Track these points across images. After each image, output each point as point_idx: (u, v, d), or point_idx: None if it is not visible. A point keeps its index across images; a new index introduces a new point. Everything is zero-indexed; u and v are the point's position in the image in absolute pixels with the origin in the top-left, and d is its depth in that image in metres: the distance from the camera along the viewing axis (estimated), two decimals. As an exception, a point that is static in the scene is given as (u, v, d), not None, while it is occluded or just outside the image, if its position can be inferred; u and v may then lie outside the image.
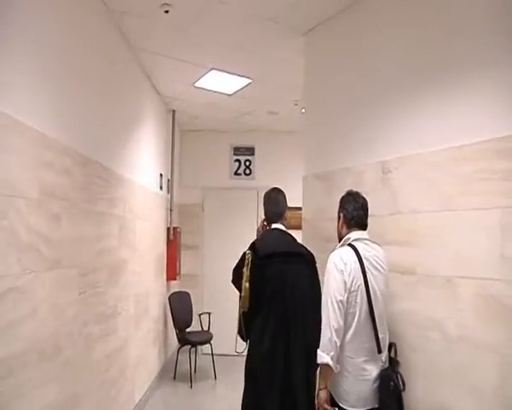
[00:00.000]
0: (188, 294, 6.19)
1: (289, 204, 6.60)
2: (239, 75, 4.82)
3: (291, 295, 2.67)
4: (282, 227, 2.89)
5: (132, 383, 4.28)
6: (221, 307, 5.82)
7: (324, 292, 2.32)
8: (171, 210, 6.08)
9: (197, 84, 5.10)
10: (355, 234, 2.42)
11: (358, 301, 2.25)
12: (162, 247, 5.79)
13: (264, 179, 7.11)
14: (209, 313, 6.00)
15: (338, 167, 3.44)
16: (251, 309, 2.67)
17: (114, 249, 3.65)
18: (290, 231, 2.96)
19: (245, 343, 2.79)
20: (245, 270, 2.66)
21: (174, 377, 5.62)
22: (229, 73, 4.74)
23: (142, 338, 4.67)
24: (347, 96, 3.41)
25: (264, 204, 3.03)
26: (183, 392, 5.32)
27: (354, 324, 2.25)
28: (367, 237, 2.45)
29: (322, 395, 2.26)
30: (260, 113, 6.20)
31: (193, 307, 6.14)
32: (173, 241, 6.02)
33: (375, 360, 2.28)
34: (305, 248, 2.89)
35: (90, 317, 3.10)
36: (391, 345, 2.45)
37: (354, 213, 2.47)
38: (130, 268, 4.11)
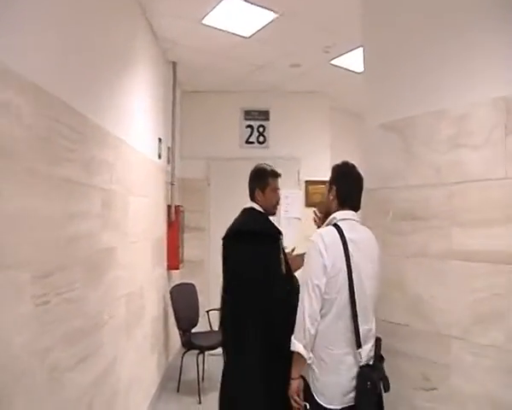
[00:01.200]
0: (192, 286, 5.13)
1: (311, 177, 5.50)
2: (262, 6, 3.68)
3: (248, 280, 2.55)
4: (253, 205, 2.74)
5: (126, 407, 3.24)
6: (233, 302, 4.78)
7: (302, 275, 2.14)
8: (172, 184, 4.98)
9: (206, 21, 3.96)
10: (342, 213, 2.20)
11: (338, 286, 2.04)
12: (162, 229, 4.71)
13: (280, 148, 6.08)
14: (219, 310, 4.94)
15: (422, 112, 2.40)
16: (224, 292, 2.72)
17: (95, 235, 2.56)
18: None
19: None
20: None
21: (178, 389, 4.58)
22: (250, 2, 3.61)
23: (138, 348, 3.62)
24: (434, 12, 2.32)
25: None
26: (190, 408, 4.29)
27: (332, 311, 2.05)
28: (356, 218, 2.23)
29: (294, 385, 2.09)
30: (281, 65, 5.06)
31: (199, 301, 5.08)
32: (175, 222, 4.94)
33: (356, 354, 2.05)
34: (273, 227, 2.71)
35: (57, 338, 2.03)
36: (377, 340, 2.16)
37: (348, 192, 2.25)
38: (119, 259, 3.04)
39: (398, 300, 2.47)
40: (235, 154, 6.06)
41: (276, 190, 2.77)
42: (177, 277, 5.38)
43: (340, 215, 2.19)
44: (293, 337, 2.06)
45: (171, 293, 4.71)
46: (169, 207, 4.89)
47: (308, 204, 6.02)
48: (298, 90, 6.01)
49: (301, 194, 6.09)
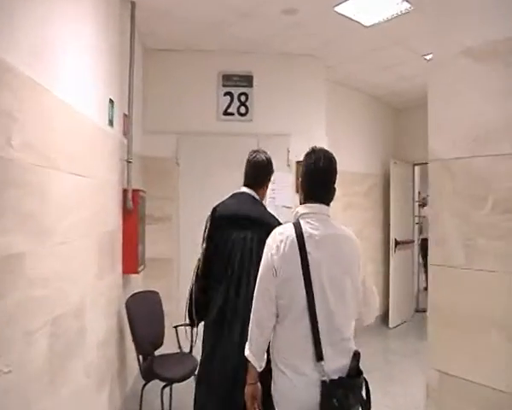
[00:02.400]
0: (155, 294, 3.96)
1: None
2: None
3: (236, 270, 2.40)
4: (249, 191, 2.57)
5: None
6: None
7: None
8: (128, 162, 3.82)
9: None
10: (305, 207, 1.95)
11: (292, 291, 1.82)
12: (115, 221, 3.56)
13: (266, 122, 5.02)
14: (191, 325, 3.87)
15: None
16: (204, 277, 2.55)
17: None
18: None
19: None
20: (204, 233, 2.58)
21: (137, 434, 3.46)
22: None
23: (73, 394, 2.49)
24: None
25: None
26: None
27: (288, 318, 1.84)
28: (324, 211, 1.92)
29: (248, 391, 1.95)
30: (270, 11, 3.96)
31: (164, 314, 3.94)
32: (133, 211, 3.79)
33: (317, 367, 1.77)
34: (273, 218, 2.48)
35: None
36: (355, 354, 1.85)
37: (310, 184, 1.98)
38: (31, 272, 1.90)
39: (500, 348, 1.45)
40: (210, 128, 4.94)
41: None
42: (138, 283, 4.24)
43: (302, 209, 1.96)
44: (247, 342, 1.94)
45: (126, 306, 3.57)
46: (125, 191, 3.74)
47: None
48: (289, 51, 4.95)
49: (291, 177, 5.02)
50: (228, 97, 4.97)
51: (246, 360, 1.94)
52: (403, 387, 4.42)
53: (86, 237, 2.74)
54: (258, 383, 1.96)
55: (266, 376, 1.95)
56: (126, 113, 3.83)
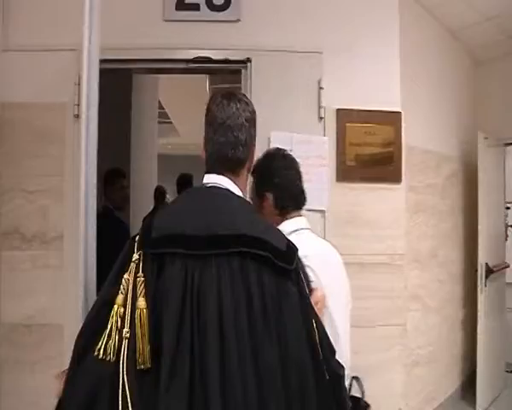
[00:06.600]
0: None
1: (353, 104, 2.69)
2: None
3: (214, 343, 0.94)
4: (225, 182, 1.12)
5: None
6: None
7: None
8: None
9: None
10: (293, 223, 1.49)
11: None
12: None
13: (270, 23, 2.37)
14: None
15: None
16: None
17: None
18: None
19: None
20: (127, 277, 0.99)
21: None
22: None
23: None
24: None
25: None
26: None
27: None
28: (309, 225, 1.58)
29: None
30: None
31: None
32: None
33: None
34: (276, 233, 1.09)
35: None
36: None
37: (293, 189, 1.53)
38: None
39: None
40: (150, 36, 2.32)
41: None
42: None
43: (289, 226, 1.47)
44: None
45: None
46: None
47: (344, 171, 2.34)
48: None
49: (327, 145, 2.36)
50: (188, -27, 2.34)
51: None
52: None
53: None
54: None
55: None
56: None
